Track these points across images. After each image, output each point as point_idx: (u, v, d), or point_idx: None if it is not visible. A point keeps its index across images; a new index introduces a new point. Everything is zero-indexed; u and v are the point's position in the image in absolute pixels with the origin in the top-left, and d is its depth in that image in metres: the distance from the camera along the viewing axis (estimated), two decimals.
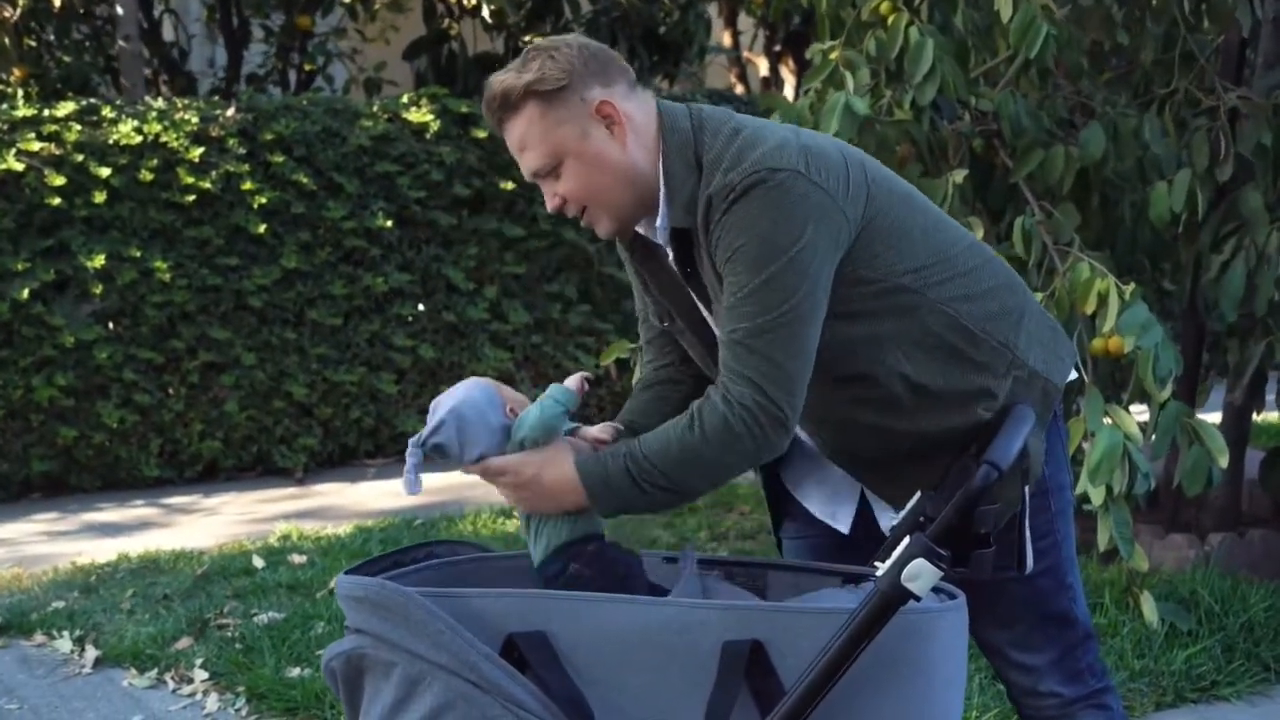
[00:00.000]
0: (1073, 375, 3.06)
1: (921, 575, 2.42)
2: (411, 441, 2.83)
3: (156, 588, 6.00)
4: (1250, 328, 5.71)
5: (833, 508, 3.10)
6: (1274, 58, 6.12)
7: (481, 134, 8.76)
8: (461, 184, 8.78)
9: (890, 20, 5.64)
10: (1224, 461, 5.14)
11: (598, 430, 2.92)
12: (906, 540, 2.47)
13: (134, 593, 5.93)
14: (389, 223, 8.58)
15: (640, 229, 2.94)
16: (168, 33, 11.09)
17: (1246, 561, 6.17)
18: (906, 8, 5.56)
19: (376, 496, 8.01)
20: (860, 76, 5.66)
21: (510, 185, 8.83)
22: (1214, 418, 5.95)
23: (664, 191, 2.82)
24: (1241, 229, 5.59)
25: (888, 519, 2.98)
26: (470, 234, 8.88)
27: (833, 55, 5.87)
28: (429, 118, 8.70)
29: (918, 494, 2.68)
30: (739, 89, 13.05)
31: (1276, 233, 5.51)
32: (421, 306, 8.81)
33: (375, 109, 8.74)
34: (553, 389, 2.86)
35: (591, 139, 2.82)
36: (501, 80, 2.81)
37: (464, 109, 8.82)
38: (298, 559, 6.32)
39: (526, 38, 10.29)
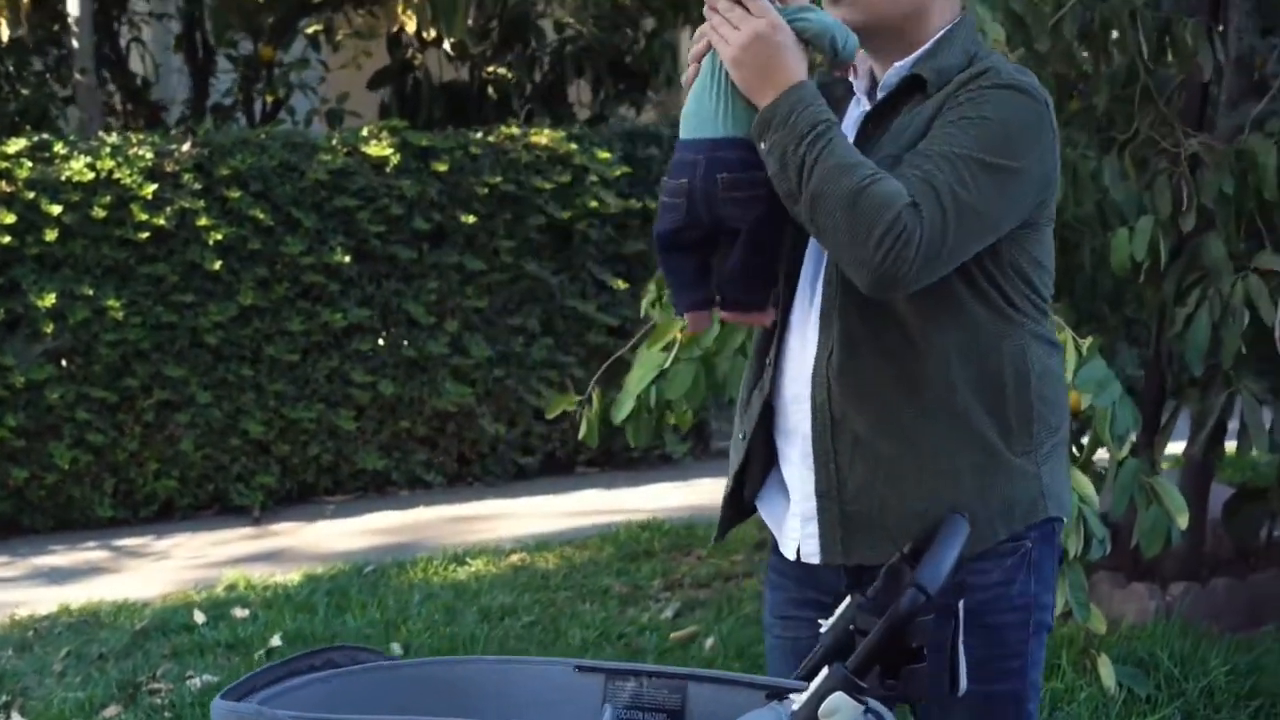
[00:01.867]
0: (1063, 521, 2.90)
1: (840, 710, 2.26)
2: None
3: (93, 645, 5.87)
4: (1212, 378, 5.60)
5: (783, 532, 2.92)
6: (1238, 96, 6.01)
7: (442, 167, 8.62)
8: (421, 218, 8.65)
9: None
10: (1183, 522, 5.02)
11: None
12: (825, 671, 2.33)
13: (69, 651, 5.79)
14: (347, 258, 8.45)
15: (851, 76, 2.83)
16: (138, 63, 10.94)
17: (1209, 612, 6.07)
18: None
19: (333, 537, 7.89)
20: None
21: (471, 219, 8.71)
22: (1178, 447, 5.83)
23: (931, 45, 2.74)
24: (1205, 278, 5.47)
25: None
26: (431, 268, 8.75)
27: None
28: (389, 151, 8.57)
29: (847, 600, 2.56)
30: None
31: (1241, 283, 5.40)
32: (381, 341, 8.67)
33: (334, 142, 8.61)
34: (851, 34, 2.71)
35: None
36: None
37: (424, 142, 8.68)
38: (240, 613, 6.18)
39: (490, 68, 10.20)
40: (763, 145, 2.64)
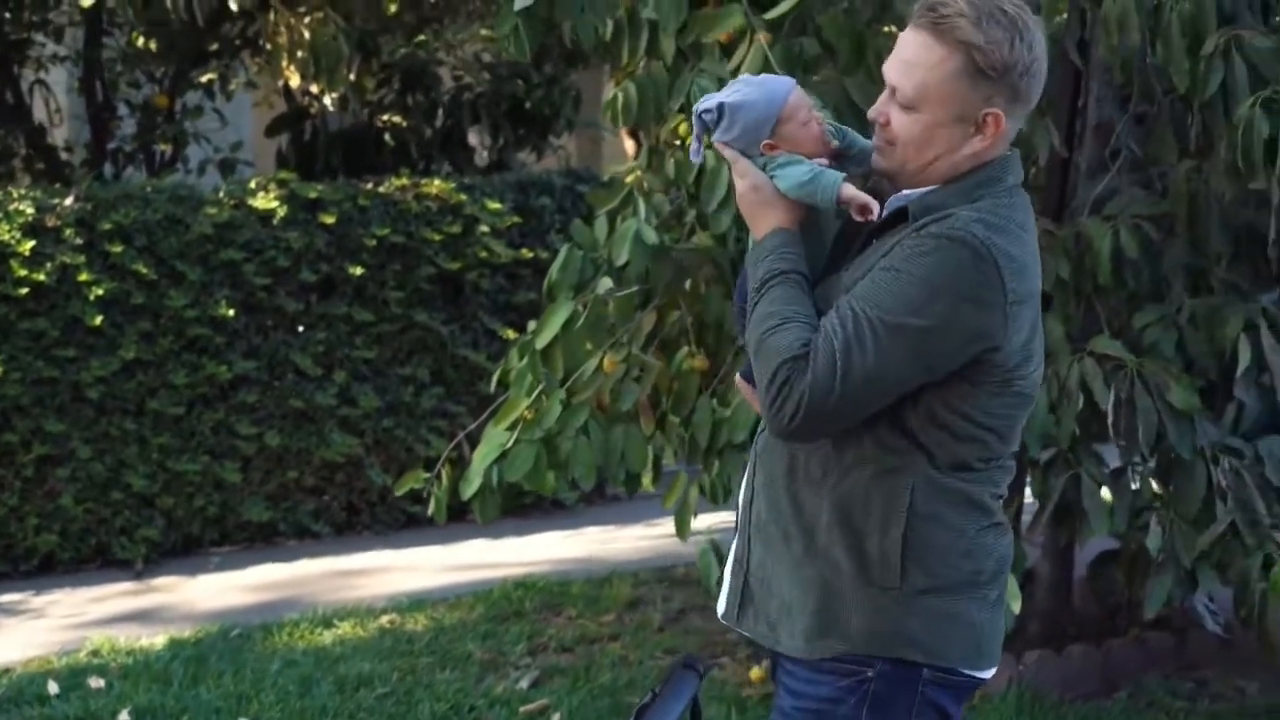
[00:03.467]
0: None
1: None
2: (709, 97, 3.02)
3: None
4: (1054, 459, 5.66)
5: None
6: (1097, 166, 6.09)
7: (329, 219, 8.63)
8: (309, 269, 8.66)
9: (689, 142, 5.57)
10: (1017, 606, 5.09)
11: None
12: None
13: None
14: (232, 310, 8.45)
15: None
16: (42, 107, 10.88)
17: (1063, 680, 6.14)
18: None
19: (214, 592, 7.88)
20: (656, 202, 5.60)
21: (359, 270, 8.72)
22: None
23: (934, 187, 2.83)
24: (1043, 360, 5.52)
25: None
26: (319, 319, 8.76)
27: (629, 179, 5.82)
28: (275, 204, 8.58)
29: None
30: (631, 146, 12.98)
31: (1078, 365, 5.47)
32: (269, 392, 8.66)
33: (221, 195, 8.61)
34: (841, 183, 2.88)
35: (954, 126, 2.81)
36: (962, 11, 2.77)
37: (312, 194, 8.69)
38: (96, 683, 6.17)
39: (388, 116, 10.21)
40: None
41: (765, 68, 5.01)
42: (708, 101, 2.99)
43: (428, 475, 5.79)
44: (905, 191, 2.87)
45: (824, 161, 2.93)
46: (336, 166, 10.05)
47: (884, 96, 2.86)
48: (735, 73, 5.10)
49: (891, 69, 2.85)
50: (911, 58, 2.80)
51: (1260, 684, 6.12)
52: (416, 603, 7.41)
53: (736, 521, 3.07)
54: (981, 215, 2.76)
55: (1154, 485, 5.70)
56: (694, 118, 3.00)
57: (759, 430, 3.02)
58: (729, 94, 2.99)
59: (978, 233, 2.71)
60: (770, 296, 2.80)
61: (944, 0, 2.77)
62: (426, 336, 9.02)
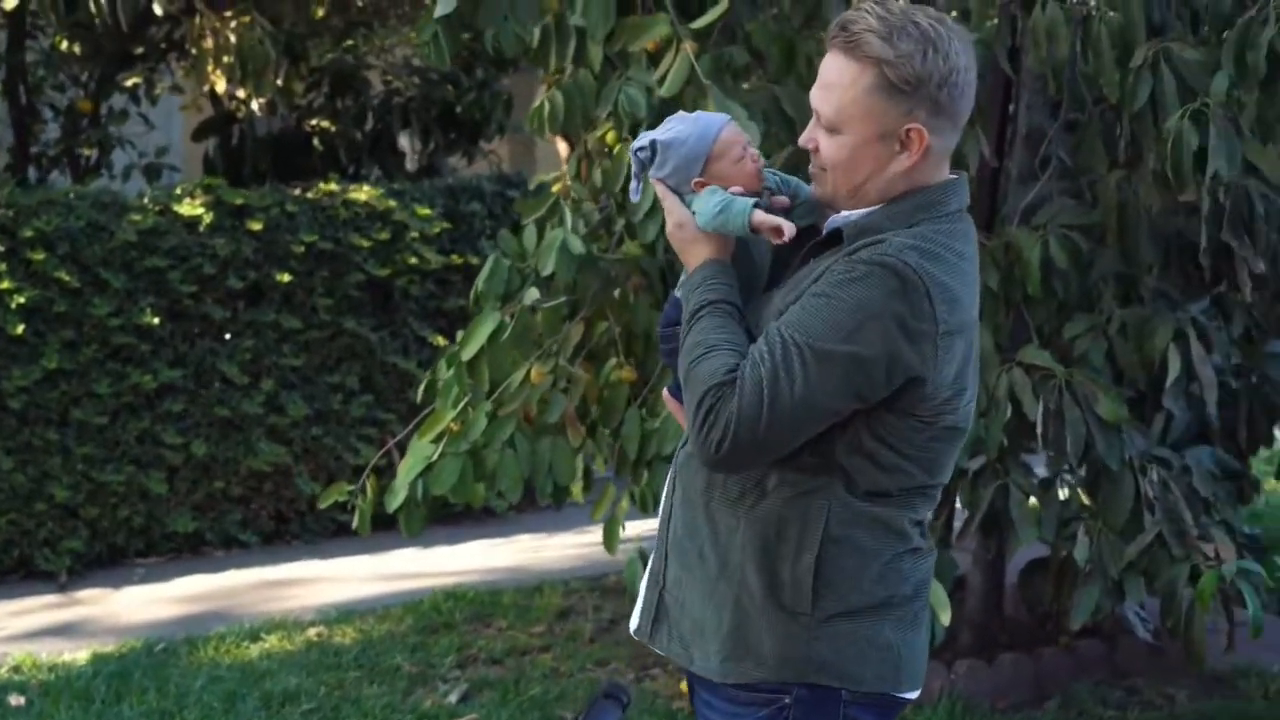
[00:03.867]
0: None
1: None
2: (644, 135, 3.01)
3: None
4: (982, 469, 5.64)
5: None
6: (1027, 173, 6.08)
7: (256, 226, 8.54)
8: (236, 276, 8.56)
9: (616, 150, 5.53)
10: (945, 618, 5.08)
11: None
12: None
13: None
14: (156, 319, 8.34)
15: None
16: None
17: (993, 687, 6.14)
18: (633, 138, 5.44)
19: (139, 605, 7.78)
20: (585, 211, 5.55)
21: (287, 277, 8.63)
22: None
23: (868, 209, 2.81)
24: None
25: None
26: (246, 326, 8.67)
27: (555, 187, 5.76)
28: (201, 210, 8.48)
29: None
30: (564, 150, 12.91)
31: (1007, 375, 5.46)
32: (194, 401, 8.56)
33: (146, 201, 8.50)
34: (753, 211, 2.86)
35: (878, 144, 2.77)
36: (871, 27, 2.73)
37: (239, 200, 8.59)
38: (16, 701, 6.07)
39: (316, 120, 10.12)
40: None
41: (692, 77, 4.98)
42: (642, 139, 2.98)
43: (352, 487, 5.71)
44: (844, 213, 2.84)
45: (739, 190, 2.89)
46: (265, 171, 9.94)
47: (811, 123, 2.85)
48: (662, 81, 5.06)
49: (814, 95, 2.83)
50: (830, 80, 2.79)
51: (1189, 691, 6.14)
52: (345, 614, 7.33)
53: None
54: (916, 242, 2.71)
55: (1082, 495, 5.69)
56: (630, 155, 3.00)
57: (680, 445, 2.99)
58: (663, 131, 2.98)
59: (910, 260, 2.67)
60: (699, 326, 2.78)
61: (854, 18, 2.76)
62: (355, 344, 8.94)
